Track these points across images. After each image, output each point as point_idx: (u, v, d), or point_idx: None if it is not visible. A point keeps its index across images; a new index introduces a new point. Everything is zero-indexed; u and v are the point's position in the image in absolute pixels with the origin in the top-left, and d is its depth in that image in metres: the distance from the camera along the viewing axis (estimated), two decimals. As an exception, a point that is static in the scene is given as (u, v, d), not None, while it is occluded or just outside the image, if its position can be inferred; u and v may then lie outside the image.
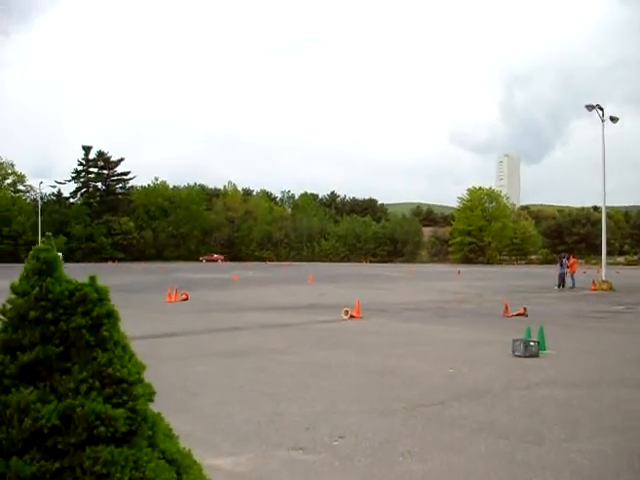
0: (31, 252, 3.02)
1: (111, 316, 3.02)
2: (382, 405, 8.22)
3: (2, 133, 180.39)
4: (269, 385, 9.48)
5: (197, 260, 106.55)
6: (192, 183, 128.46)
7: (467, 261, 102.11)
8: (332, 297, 28.05)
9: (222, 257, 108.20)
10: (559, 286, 35.44)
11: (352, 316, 18.99)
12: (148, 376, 8.15)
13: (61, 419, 2.88)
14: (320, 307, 23.38)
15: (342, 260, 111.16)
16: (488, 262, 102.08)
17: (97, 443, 2.88)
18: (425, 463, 5.89)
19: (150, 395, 3.11)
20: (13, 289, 3.02)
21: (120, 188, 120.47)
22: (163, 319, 19.32)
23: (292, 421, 7.34)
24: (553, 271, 42.10)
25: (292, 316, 19.96)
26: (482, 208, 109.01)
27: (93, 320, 2.99)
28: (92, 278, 3.10)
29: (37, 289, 2.97)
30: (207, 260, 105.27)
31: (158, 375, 9.72)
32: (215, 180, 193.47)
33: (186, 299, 26.08)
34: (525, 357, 11.85)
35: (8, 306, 3.04)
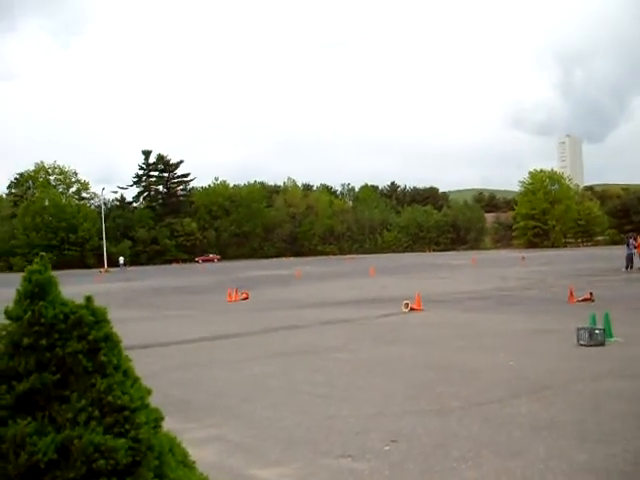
0: (24, 274, 2.84)
1: (109, 339, 2.82)
2: (438, 404, 7.90)
3: (65, 143, 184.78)
4: (323, 386, 9.24)
5: (256, 257, 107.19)
6: (252, 181, 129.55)
7: (531, 246, 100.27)
8: (393, 289, 27.70)
9: (218, 257, 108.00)
10: (627, 268, 34.15)
11: (412, 308, 18.65)
12: (203, 381, 8.10)
13: (59, 452, 2.69)
14: (381, 300, 23.06)
15: (405, 250, 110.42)
16: (553, 246, 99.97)
17: (98, 477, 2.70)
18: (480, 469, 5.56)
19: (156, 421, 2.90)
20: (7, 314, 2.85)
21: (181, 190, 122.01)
22: (222, 320, 19.31)
23: (343, 425, 7.08)
24: (620, 252, 40.84)
25: (352, 311, 19.71)
26: (545, 191, 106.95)
27: (90, 344, 2.78)
28: (88, 299, 2.90)
29: (29, 314, 2.78)
30: (203, 260, 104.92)
31: (212, 379, 9.67)
32: (275, 177, 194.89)
33: (246, 298, 26.09)
34: (590, 346, 11.31)
35: (2, 332, 2.88)
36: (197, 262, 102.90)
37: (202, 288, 36.27)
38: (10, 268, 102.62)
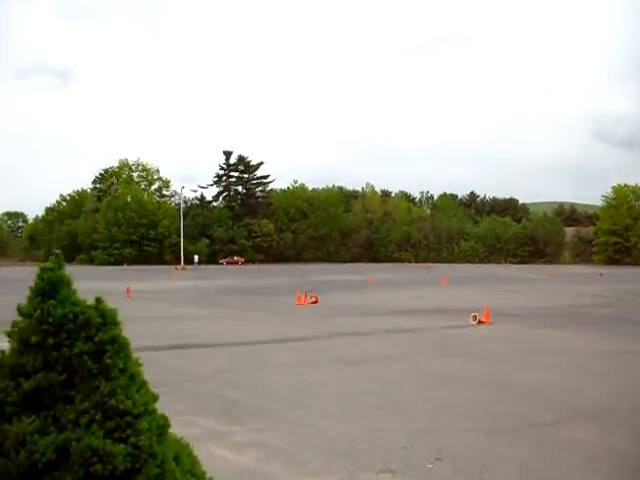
0: (37, 271, 2.83)
1: (115, 342, 2.77)
2: (490, 422, 7.65)
3: (148, 140, 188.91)
4: (375, 397, 9.09)
5: (332, 261, 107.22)
6: (331, 185, 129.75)
7: (612, 262, 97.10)
8: (464, 300, 27.25)
9: (243, 259, 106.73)
10: None
11: (480, 321, 18.28)
12: (256, 384, 8.01)
13: (59, 453, 2.66)
14: (449, 311, 22.70)
15: (481, 261, 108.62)
16: (635, 263, 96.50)
17: (97, 481, 2.66)
18: (523, 495, 5.34)
19: (161, 428, 2.84)
20: (19, 311, 2.84)
21: (260, 191, 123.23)
22: (287, 323, 19.32)
23: (389, 438, 6.93)
24: None
25: (418, 320, 19.45)
26: (628, 206, 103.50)
27: (96, 346, 2.74)
28: (98, 300, 2.87)
29: (39, 312, 2.76)
30: (227, 263, 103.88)
31: (266, 382, 9.63)
32: (354, 182, 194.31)
33: (316, 302, 26.07)
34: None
35: (14, 329, 2.88)
36: (221, 264, 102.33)
37: (274, 289, 36.45)
38: (91, 261, 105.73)
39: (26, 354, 2.79)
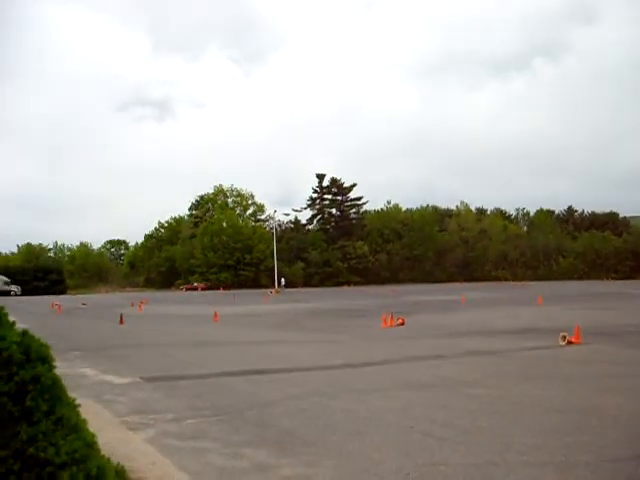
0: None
1: (39, 382, 2.48)
2: (562, 456, 6.97)
3: (242, 167, 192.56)
4: (441, 426, 8.53)
5: (428, 282, 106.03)
6: (424, 204, 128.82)
7: None
8: (557, 319, 26.17)
9: (203, 285, 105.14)
10: None
11: (570, 342, 17.35)
12: (318, 412, 7.62)
13: None
14: (540, 331, 21.74)
15: (581, 278, 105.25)
16: None
17: (9, 542, 2.35)
18: None
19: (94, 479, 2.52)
20: (-54, 345, 2.59)
21: (354, 213, 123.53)
22: (368, 346, 18.92)
23: (445, 474, 6.38)
24: None
25: (505, 342, 18.69)
26: None
27: (17, 386, 2.46)
28: (24, 333, 2.59)
29: None
30: (187, 289, 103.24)
31: (330, 410, 9.23)
32: (447, 200, 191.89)
33: (402, 324, 25.60)
34: None
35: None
36: (181, 290, 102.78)
37: (363, 311, 36.12)
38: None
39: (-52, 394, 2.54)
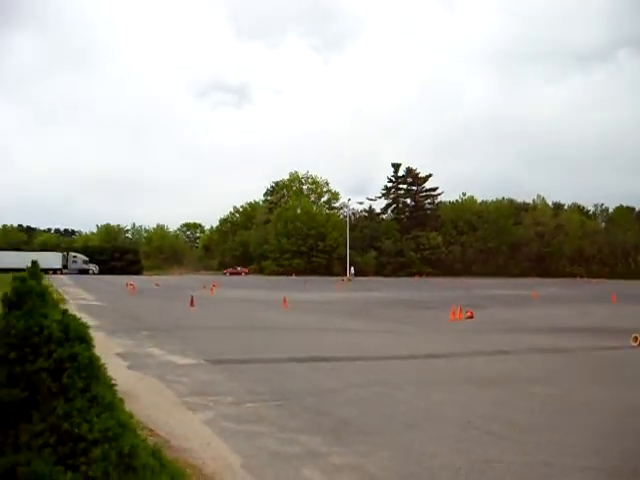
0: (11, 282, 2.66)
1: (75, 360, 2.54)
2: (619, 462, 6.77)
3: (318, 154, 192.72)
4: (500, 423, 8.42)
5: (501, 275, 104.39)
6: (500, 197, 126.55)
7: None
8: (630, 319, 25.37)
9: (246, 270, 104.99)
10: None
11: (643, 344, 16.85)
12: (378, 402, 7.68)
13: (7, 476, 2.47)
14: (611, 331, 21.21)
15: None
16: None
17: (42, 512, 2.43)
18: None
19: (128, 458, 2.57)
20: (-7, 322, 2.68)
21: (428, 204, 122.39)
22: (435, 338, 18.78)
23: (498, 472, 6.30)
24: None
25: (573, 340, 18.30)
26: None
27: (56, 363, 2.53)
28: (64, 312, 2.65)
29: (3, 324, 2.60)
30: (230, 273, 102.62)
31: (390, 400, 9.23)
32: (524, 194, 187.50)
33: (471, 317, 25.35)
34: None
35: (-13, 340, 2.72)
36: (224, 274, 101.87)
37: (433, 303, 35.85)
38: (261, 271, 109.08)
39: (-6, 368, 2.63)
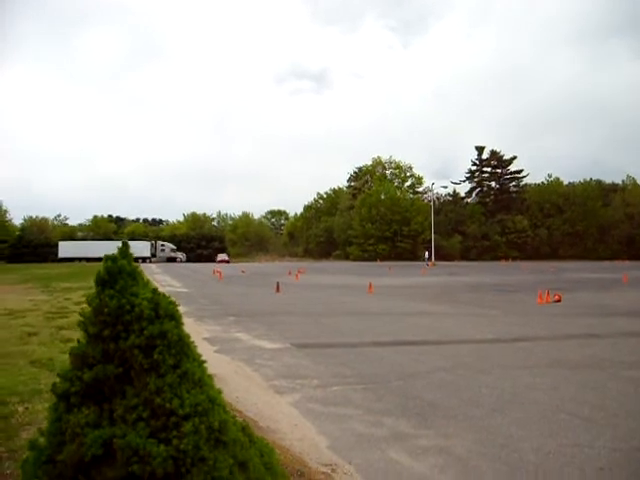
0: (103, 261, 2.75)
1: (166, 337, 2.61)
2: None
3: (401, 138, 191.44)
4: (590, 407, 8.22)
5: (589, 259, 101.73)
6: (587, 178, 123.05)
7: None
8: None
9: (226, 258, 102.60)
10: None
11: None
12: (463, 386, 7.68)
13: (106, 449, 2.56)
14: None
15: None
16: None
17: (137, 483, 2.51)
18: None
19: (217, 433, 2.63)
20: (87, 301, 2.78)
21: (513, 186, 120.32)
22: (522, 322, 18.43)
23: (588, 457, 6.15)
24: None
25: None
26: None
27: (148, 340, 2.61)
28: (154, 291, 2.72)
29: (96, 302, 2.69)
30: (219, 261, 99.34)
31: (475, 385, 9.16)
32: (613, 174, 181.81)
33: (558, 300, 24.79)
34: None
35: (83, 318, 2.82)
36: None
37: (519, 287, 35.21)
38: (347, 257, 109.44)
39: (89, 345, 2.74)
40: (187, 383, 2.51)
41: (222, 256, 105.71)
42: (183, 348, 2.55)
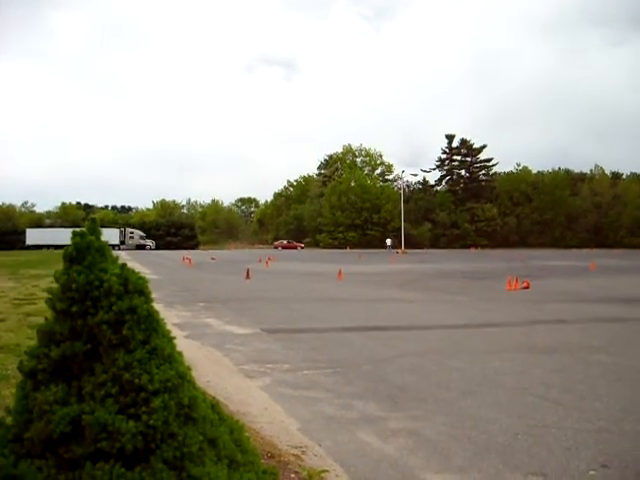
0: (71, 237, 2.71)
1: (135, 312, 2.58)
2: (683, 427, 6.68)
3: (371, 126, 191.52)
4: (558, 390, 8.32)
5: (557, 247, 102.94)
6: (556, 168, 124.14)
7: None
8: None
9: (302, 244, 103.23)
10: None
11: None
12: (433, 370, 7.70)
13: (74, 426, 2.52)
14: (674, 301, 20.74)
15: None
16: None
17: (107, 458, 2.48)
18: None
19: (186, 409, 2.61)
20: (55, 276, 2.74)
21: (483, 175, 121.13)
22: (491, 308, 18.61)
23: (556, 437, 6.25)
24: None
25: (633, 309, 17.95)
26: None
27: (116, 316, 2.58)
28: (122, 266, 2.69)
29: (64, 278, 2.66)
30: (283, 247, 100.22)
31: (445, 370, 9.21)
32: (581, 164, 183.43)
33: (527, 287, 25.08)
34: None
35: (50, 295, 2.78)
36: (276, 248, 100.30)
37: (488, 274, 35.53)
38: (317, 244, 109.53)
39: (57, 322, 2.70)
40: (156, 359, 2.48)
41: (280, 243, 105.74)
42: (152, 324, 2.52)
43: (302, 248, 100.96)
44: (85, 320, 2.52)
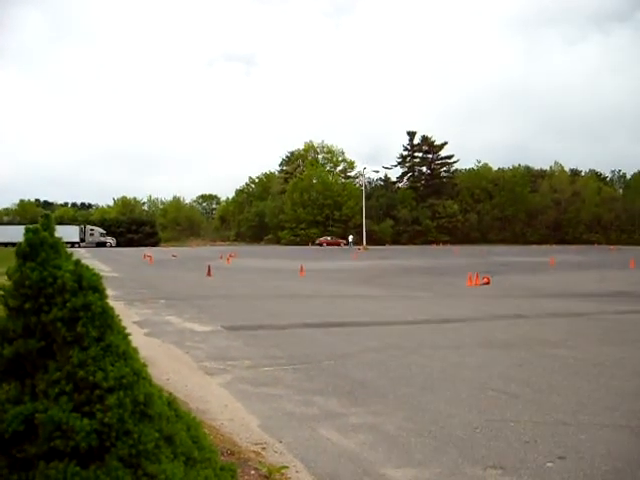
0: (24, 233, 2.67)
1: (89, 309, 2.55)
2: (637, 419, 6.80)
3: (333, 122, 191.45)
4: (517, 384, 8.42)
5: (518, 243, 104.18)
6: (516, 164, 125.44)
7: None
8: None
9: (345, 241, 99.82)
10: None
11: (661, 307, 16.78)
12: (394, 366, 7.70)
13: (27, 425, 2.49)
14: (629, 295, 21.19)
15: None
16: None
17: (61, 457, 2.46)
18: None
19: (142, 406, 2.59)
20: (7, 273, 2.70)
21: (444, 172, 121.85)
22: (452, 304, 18.79)
23: (514, 430, 6.32)
24: None
25: (591, 304, 18.22)
26: None
27: (71, 313, 2.55)
28: (76, 263, 2.66)
29: (17, 274, 2.62)
30: (327, 244, 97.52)
31: (405, 364, 9.25)
32: (540, 161, 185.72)
33: (487, 283, 25.34)
34: None
35: (1, 292, 2.73)
36: (320, 245, 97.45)
37: (448, 270, 35.85)
38: (278, 241, 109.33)
39: (10, 319, 2.65)
40: (111, 356, 2.45)
41: (325, 239, 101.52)
42: (107, 320, 2.49)
43: (346, 245, 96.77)
44: (39, 317, 2.49)
